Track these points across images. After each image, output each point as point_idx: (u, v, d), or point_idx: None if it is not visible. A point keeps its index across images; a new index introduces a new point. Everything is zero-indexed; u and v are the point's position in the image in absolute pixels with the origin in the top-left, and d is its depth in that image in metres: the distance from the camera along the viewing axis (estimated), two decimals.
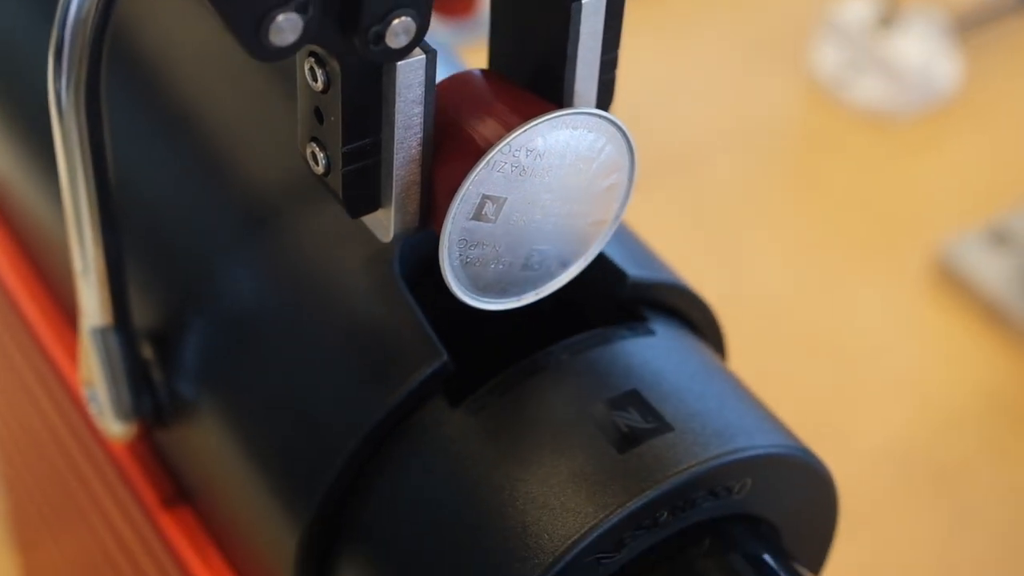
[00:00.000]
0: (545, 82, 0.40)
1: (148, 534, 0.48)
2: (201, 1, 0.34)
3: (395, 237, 0.40)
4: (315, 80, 0.38)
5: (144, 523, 0.48)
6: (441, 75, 0.40)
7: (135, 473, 0.48)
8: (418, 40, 0.37)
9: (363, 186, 0.39)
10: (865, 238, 1.03)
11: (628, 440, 0.40)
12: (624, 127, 0.39)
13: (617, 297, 0.42)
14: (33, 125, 0.50)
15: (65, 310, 0.51)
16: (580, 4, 0.38)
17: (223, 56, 0.47)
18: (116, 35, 0.44)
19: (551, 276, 0.41)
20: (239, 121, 0.46)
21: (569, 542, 0.38)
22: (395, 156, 0.39)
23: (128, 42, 0.48)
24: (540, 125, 0.38)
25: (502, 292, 0.40)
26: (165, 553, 0.48)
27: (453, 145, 0.39)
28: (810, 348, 0.96)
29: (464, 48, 0.84)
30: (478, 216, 0.38)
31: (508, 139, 0.38)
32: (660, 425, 0.40)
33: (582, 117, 0.39)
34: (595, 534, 0.38)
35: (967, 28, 1.17)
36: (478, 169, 0.38)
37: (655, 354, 0.42)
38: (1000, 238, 1.01)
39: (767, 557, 0.41)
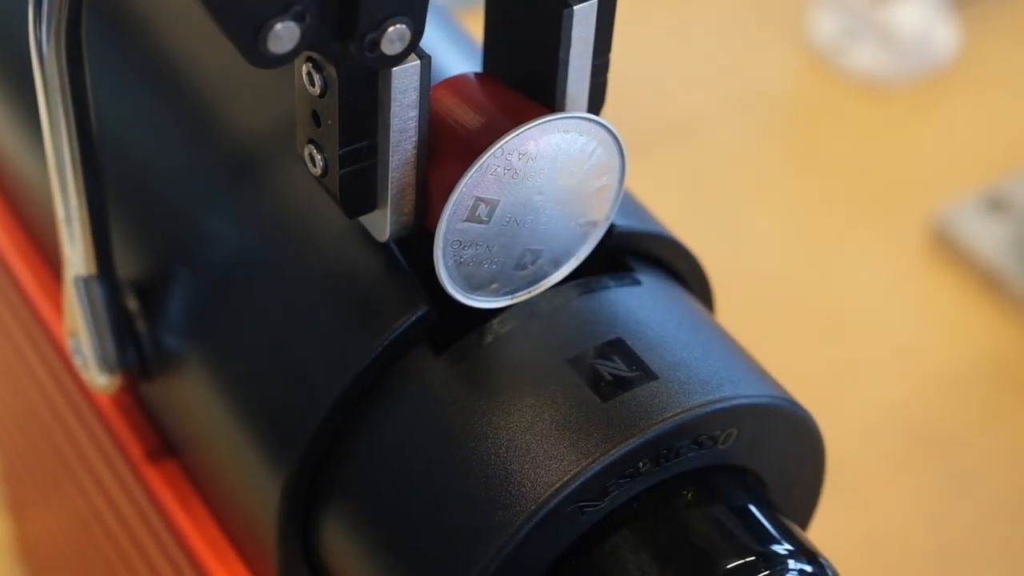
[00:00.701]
0: (537, 86, 0.41)
1: (133, 487, 0.48)
2: (200, 8, 0.34)
3: (391, 237, 0.41)
4: (312, 85, 0.38)
5: (129, 476, 0.48)
6: (437, 39, 0.41)
7: (120, 426, 0.48)
8: (413, 47, 0.37)
9: (360, 187, 0.40)
10: (862, 205, 1.03)
11: (612, 388, 0.39)
12: (615, 130, 0.40)
13: (603, 246, 0.42)
14: (16, 75, 0.50)
15: (52, 265, 0.51)
16: (572, 10, 0.39)
17: None
18: None
19: (544, 275, 0.41)
20: (224, 72, 0.46)
21: (552, 490, 0.38)
22: (391, 159, 0.39)
23: None
24: (532, 129, 0.38)
25: (496, 291, 0.41)
26: (150, 506, 0.47)
27: (448, 148, 0.40)
28: (806, 315, 0.96)
29: (462, 12, 0.84)
30: (472, 218, 0.39)
31: (501, 143, 0.38)
32: (645, 373, 0.40)
33: (573, 121, 0.39)
34: (577, 482, 0.38)
35: None
36: (471, 172, 0.38)
37: (640, 303, 0.42)
38: (997, 205, 1.01)
39: (752, 508, 0.41)
